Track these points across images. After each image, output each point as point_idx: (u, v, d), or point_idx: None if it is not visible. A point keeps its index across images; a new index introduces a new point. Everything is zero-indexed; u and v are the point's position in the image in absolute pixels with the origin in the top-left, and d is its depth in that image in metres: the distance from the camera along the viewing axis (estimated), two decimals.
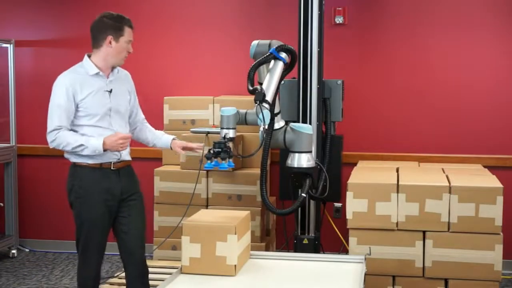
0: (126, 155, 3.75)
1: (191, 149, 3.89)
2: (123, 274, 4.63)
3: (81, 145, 3.55)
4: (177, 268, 3.36)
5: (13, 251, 5.74)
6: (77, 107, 3.60)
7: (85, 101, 3.59)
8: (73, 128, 3.63)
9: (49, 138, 3.60)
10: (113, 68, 3.72)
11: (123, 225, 3.72)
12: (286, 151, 3.83)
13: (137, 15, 5.65)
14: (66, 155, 3.73)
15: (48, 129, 3.60)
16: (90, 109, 3.60)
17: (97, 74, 3.65)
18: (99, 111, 3.61)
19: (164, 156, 5.29)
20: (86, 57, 3.71)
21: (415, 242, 4.09)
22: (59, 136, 3.57)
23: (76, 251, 3.75)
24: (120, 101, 3.72)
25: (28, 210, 5.96)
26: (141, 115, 3.96)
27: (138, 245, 3.76)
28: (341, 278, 3.31)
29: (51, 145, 3.62)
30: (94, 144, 3.55)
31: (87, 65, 3.66)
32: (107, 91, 3.65)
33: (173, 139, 3.90)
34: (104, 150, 3.57)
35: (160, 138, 3.95)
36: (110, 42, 3.64)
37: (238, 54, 5.46)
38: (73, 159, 3.68)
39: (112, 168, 3.66)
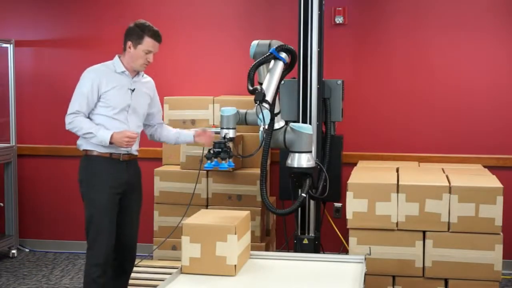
0: (134, 151, 3.95)
1: (205, 137, 4.07)
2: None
3: (91, 132, 3.77)
4: (177, 268, 3.35)
5: (13, 251, 5.74)
6: (99, 98, 3.82)
7: (108, 93, 3.82)
8: (92, 116, 3.85)
9: (67, 120, 3.83)
10: (138, 72, 3.95)
11: (124, 219, 3.93)
12: (286, 151, 3.83)
13: (137, 15, 5.64)
14: (78, 142, 3.92)
15: (68, 112, 3.83)
16: (111, 102, 3.82)
17: (123, 72, 3.89)
18: (118, 105, 3.83)
19: (164, 156, 5.29)
20: (116, 56, 3.93)
21: (415, 242, 4.09)
22: (76, 120, 3.80)
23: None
24: (139, 101, 3.94)
25: (28, 210, 5.96)
26: (160, 119, 4.18)
27: (134, 240, 4.06)
28: (341, 278, 3.31)
29: (67, 127, 3.85)
30: (102, 135, 3.77)
31: (116, 64, 3.90)
32: (130, 89, 3.89)
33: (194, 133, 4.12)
34: (110, 143, 3.77)
35: (181, 134, 4.14)
36: (129, 47, 3.85)
37: (238, 54, 5.45)
38: (85, 146, 3.87)
39: (120, 159, 3.86)
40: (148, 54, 3.86)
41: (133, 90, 3.89)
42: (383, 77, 5.38)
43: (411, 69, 5.34)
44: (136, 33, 3.84)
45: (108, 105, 3.82)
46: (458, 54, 5.28)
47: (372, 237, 4.12)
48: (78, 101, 3.80)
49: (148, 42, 3.84)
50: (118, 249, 3.93)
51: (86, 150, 3.87)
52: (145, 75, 4.04)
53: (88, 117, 3.84)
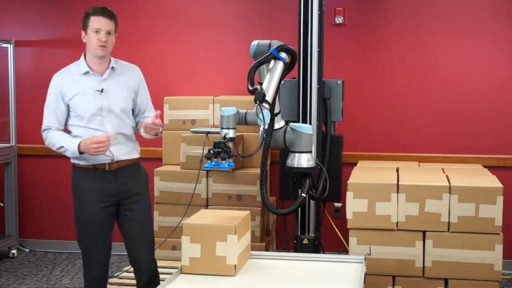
0: (123, 155, 3.66)
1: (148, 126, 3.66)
2: (124, 274, 4.66)
3: (62, 146, 3.59)
4: (177, 268, 3.35)
5: (13, 251, 5.74)
6: (68, 107, 3.62)
7: (73, 101, 3.60)
8: (69, 128, 3.67)
9: (43, 137, 3.69)
10: (112, 65, 3.66)
11: (126, 229, 3.72)
12: (286, 151, 3.82)
13: (136, 15, 5.67)
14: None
15: (41, 128, 3.70)
16: (78, 110, 3.60)
17: (87, 73, 3.62)
18: (87, 112, 3.59)
19: (164, 156, 5.29)
20: (82, 55, 3.69)
21: (415, 242, 4.09)
22: (48, 136, 3.65)
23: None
24: (113, 100, 3.64)
25: (28, 210, 5.96)
26: (150, 113, 3.76)
27: (141, 251, 3.73)
28: (341, 278, 3.30)
29: (45, 144, 3.71)
30: (71, 145, 3.55)
31: (80, 64, 3.66)
32: (97, 90, 3.60)
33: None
34: (81, 153, 3.54)
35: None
36: (84, 38, 3.64)
37: (238, 54, 5.46)
38: (71, 159, 3.69)
39: (107, 169, 3.63)
40: (98, 33, 3.55)
41: (101, 91, 3.60)
42: (383, 77, 5.38)
43: (411, 69, 5.34)
44: (83, 20, 3.61)
45: (76, 114, 3.60)
46: (458, 54, 5.28)
47: (372, 237, 4.12)
48: (46, 116, 3.64)
49: (93, 21, 3.56)
50: (133, 263, 3.75)
51: (73, 162, 3.69)
52: (125, 66, 3.75)
53: (67, 129, 3.64)
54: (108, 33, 3.60)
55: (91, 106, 3.59)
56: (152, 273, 3.75)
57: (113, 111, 3.62)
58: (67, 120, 3.66)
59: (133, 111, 3.77)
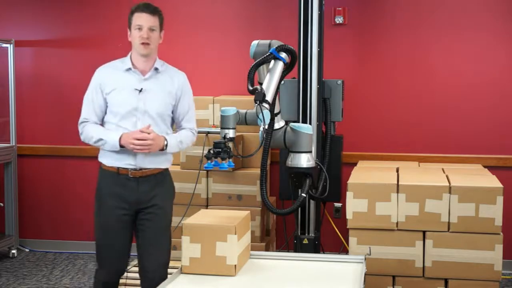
0: (148, 163, 3.54)
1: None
2: (123, 274, 4.63)
3: (101, 139, 3.48)
4: (177, 268, 3.35)
5: (13, 251, 5.74)
6: (106, 101, 3.53)
7: (110, 96, 3.51)
8: (104, 125, 3.57)
9: (79, 130, 3.57)
10: (156, 66, 3.59)
11: (138, 239, 3.64)
12: (286, 151, 3.83)
13: None
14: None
15: (79, 121, 3.58)
16: (113, 106, 3.51)
17: (128, 70, 3.55)
18: (121, 110, 3.49)
19: None
20: (129, 53, 3.61)
21: (415, 242, 4.09)
22: (85, 129, 3.54)
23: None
24: (150, 102, 3.53)
25: (28, 210, 5.95)
26: (188, 125, 3.68)
27: (146, 261, 3.61)
28: (341, 278, 3.30)
29: (81, 138, 3.58)
30: (112, 138, 3.45)
31: (125, 60, 3.59)
32: (136, 89, 3.51)
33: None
34: (122, 147, 3.45)
35: None
36: (129, 36, 3.58)
37: (238, 54, 5.45)
38: (99, 158, 3.59)
39: (130, 175, 3.52)
40: (140, 30, 3.49)
41: (140, 90, 3.51)
42: (383, 77, 5.38)
43: (411, 69, 5.34)
44: (128, 18, 3.56)
45: (111, 110, 3.50)
46: (458, 54, 5.29)
47: (372, 237, 4.12)
48: (85, 108, 3.54)
49: (135, 17, 3.51)
50: (140, 274, 3.65)
51: (100, 163, 3.58)
52: (170, 70, 3.67)
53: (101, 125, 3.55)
54: (151, 29, 3.53)
55: (126, 104, 3.49)
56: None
57: (149, 113, 3.52)
58: (104, 115, 3.56)
59: (173, 120, 3.67)
